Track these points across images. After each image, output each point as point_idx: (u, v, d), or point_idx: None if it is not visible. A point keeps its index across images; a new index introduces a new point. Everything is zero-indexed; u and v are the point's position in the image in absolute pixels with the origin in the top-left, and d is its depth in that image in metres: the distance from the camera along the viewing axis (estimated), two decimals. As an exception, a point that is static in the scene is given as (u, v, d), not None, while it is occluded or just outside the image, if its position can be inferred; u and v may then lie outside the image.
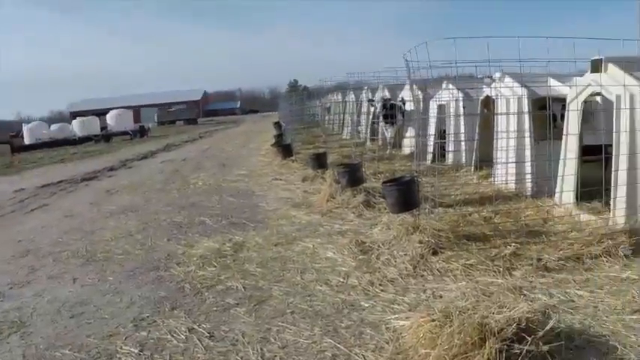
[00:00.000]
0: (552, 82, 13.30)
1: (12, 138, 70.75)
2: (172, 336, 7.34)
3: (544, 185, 12.42)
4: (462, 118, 18.04)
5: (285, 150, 25.53)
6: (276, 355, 6.54)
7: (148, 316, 8.13)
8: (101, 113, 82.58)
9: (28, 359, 7.26)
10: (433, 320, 6.01)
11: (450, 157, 18.93)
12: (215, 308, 8.21)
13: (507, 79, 14.36)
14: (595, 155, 11.13)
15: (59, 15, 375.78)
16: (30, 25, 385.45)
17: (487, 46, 10.43)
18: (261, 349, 6.69)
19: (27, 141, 68.43)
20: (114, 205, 18.21)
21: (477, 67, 12.20)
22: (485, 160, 15.94)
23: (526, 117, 13.54)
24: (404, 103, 24.25)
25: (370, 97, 29.26)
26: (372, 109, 27.44)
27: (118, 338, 7.47)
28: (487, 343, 5.42)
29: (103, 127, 73.29)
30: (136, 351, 7.02)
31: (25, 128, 72.27)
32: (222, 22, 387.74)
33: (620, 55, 10.54)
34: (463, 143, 18.05)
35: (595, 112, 12.72)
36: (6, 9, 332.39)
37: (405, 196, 10.90)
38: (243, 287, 8.95)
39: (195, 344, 7.04)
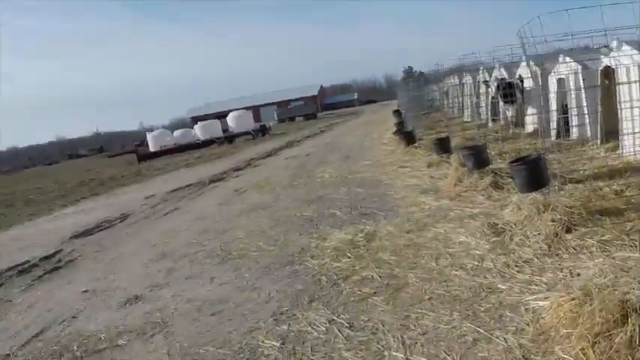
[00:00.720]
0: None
1: (137, 147, 72.89)
2: (312, 328, 7.52)
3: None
4: (582, 91, 17.64)
5: (407, 137, 25.41)
6: (416, 342, 6.63)
7: (287, 310, 8.36)
8: (221, 116, 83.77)
9: (174, 357, 7.59)
10: (573, 299, 5.96)
11: (574, 132, 18.55)
12: (353, 298, 8.34)
13: (625, 47, 14.03)
14: None
15: (168, 25, 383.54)
16: (144, 37, 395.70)
17: (601, 15, 10.25)
18: (402, 337, 6.79)
19: (152, 149, 69.96)
20: (243, 204, 18.60)
21: (593, 37, 11.95)
22: (611, 132, 15.59)
23: (649, 84, 13.19)
24: (521, 81, 23.87)
25: (487, 77, 28.88)
26: (488, 89, 27.11)
27: (260, 333, 7.73)
28: (629, 319, 5.35)
29: (225, 129, 74.22)
30: (278, 344, 7.25)
31: (149, 136, 73.79)
32: (330, 17, 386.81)
33: None
34: (587, 116, 17.66)
35: None
36: (123, 21, 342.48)
37: (534, 174, 10.76)
38: (379, 276, 9.03)
39: (335, 335, 7.20)
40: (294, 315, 8.09)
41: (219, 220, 16.48)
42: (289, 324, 7.81)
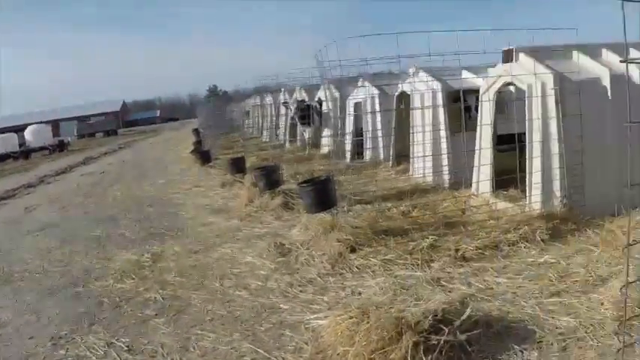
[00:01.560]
0: (466, 74, 13.41)
1: None
2: (91, 352, 7.22)
3: (461, 176, 12.48)
4: (378, 114, 18.07)
5: (203, 156, 25.50)
6: (196, 364, 6.45)
7: (66, 334, 7.98)
8: (19, 129, 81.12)
9: (-57, 389, 7.12)
10: (351, 317, 5.98)
11: (368, 154, 18.95)
12: (134, 321, 8.09)
13: (422, 74, 14.45)
14: (510, 144, 11.24)
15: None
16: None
17: (396, 42, 10.47)
18: (181, 359, 6.60)
19: (-60, 163, 67.00)
20: (31, 222, 17.86)
21: (388, 63, 12.23)
22: (402, 155, 16.01)
23: (441, 110, 13.63)
24: (320, 104, 24.26)
25: (287, 98, 29.24)
26: (288, 111, 27.48)
27: (37, 358, 7.34)
28: (404, 336, 5.40)
29: (21, 144, 71.99)
30: (54, 370, 6.91)
31: (-62, 150, 70.52)
32: (139, 31, 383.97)
33: (532, 45, 10.67)
34: (380, 139, 18.09)
35: (509, 102, 12.82)
36: None
37: (322, 195, 10.86)
38: (162, 298, 8.83)
39: (113, 358, 6.92)
40: (74, 339, 7.74)
41: (5, 240, 15.75)
42: (67, 348, 7.46)
